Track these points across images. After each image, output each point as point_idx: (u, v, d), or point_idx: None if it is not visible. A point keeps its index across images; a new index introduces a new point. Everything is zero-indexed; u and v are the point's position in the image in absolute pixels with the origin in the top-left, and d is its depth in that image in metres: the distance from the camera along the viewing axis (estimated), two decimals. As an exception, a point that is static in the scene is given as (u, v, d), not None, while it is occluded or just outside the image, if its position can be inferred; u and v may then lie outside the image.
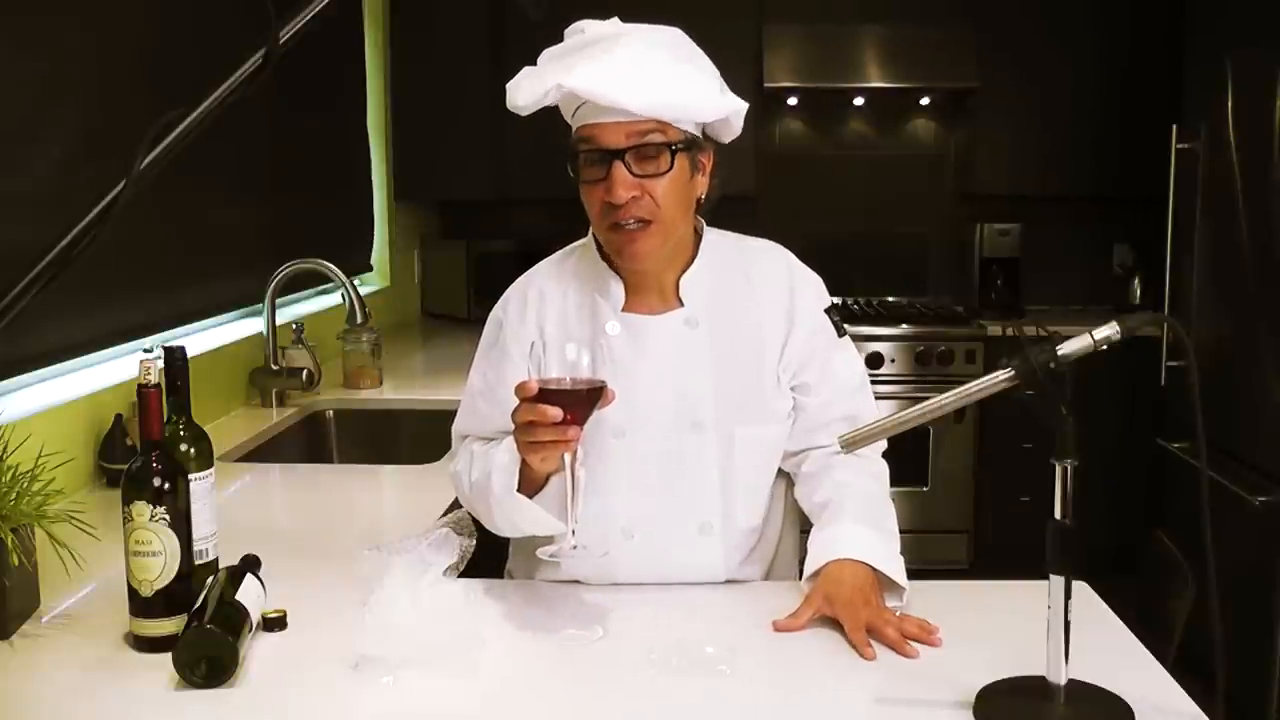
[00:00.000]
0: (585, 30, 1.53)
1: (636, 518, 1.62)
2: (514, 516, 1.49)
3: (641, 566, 1.62)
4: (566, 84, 1.45)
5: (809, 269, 1.73)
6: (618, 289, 1.63)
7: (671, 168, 1.50)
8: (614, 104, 1.45)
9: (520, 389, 1.33)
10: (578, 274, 1.66)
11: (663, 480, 1.62)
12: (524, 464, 1.43)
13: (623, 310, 1.63)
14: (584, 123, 1.51)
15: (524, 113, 1.54)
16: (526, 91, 1.52)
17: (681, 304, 1.63)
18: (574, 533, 1.38)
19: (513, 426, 1.38)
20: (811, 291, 1.70)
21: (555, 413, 1.31)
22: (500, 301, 1.70)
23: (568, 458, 1.37)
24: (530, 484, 1.47)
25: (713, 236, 1.68)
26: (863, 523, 1.54)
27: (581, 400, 1.34)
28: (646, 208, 1.50)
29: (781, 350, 1.65)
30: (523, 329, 1.64)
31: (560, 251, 1.72)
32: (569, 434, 1.33)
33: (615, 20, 1.53)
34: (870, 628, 1.39)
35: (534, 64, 1.56)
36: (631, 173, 1.49)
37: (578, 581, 1.65)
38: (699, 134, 1.56)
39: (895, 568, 1.49)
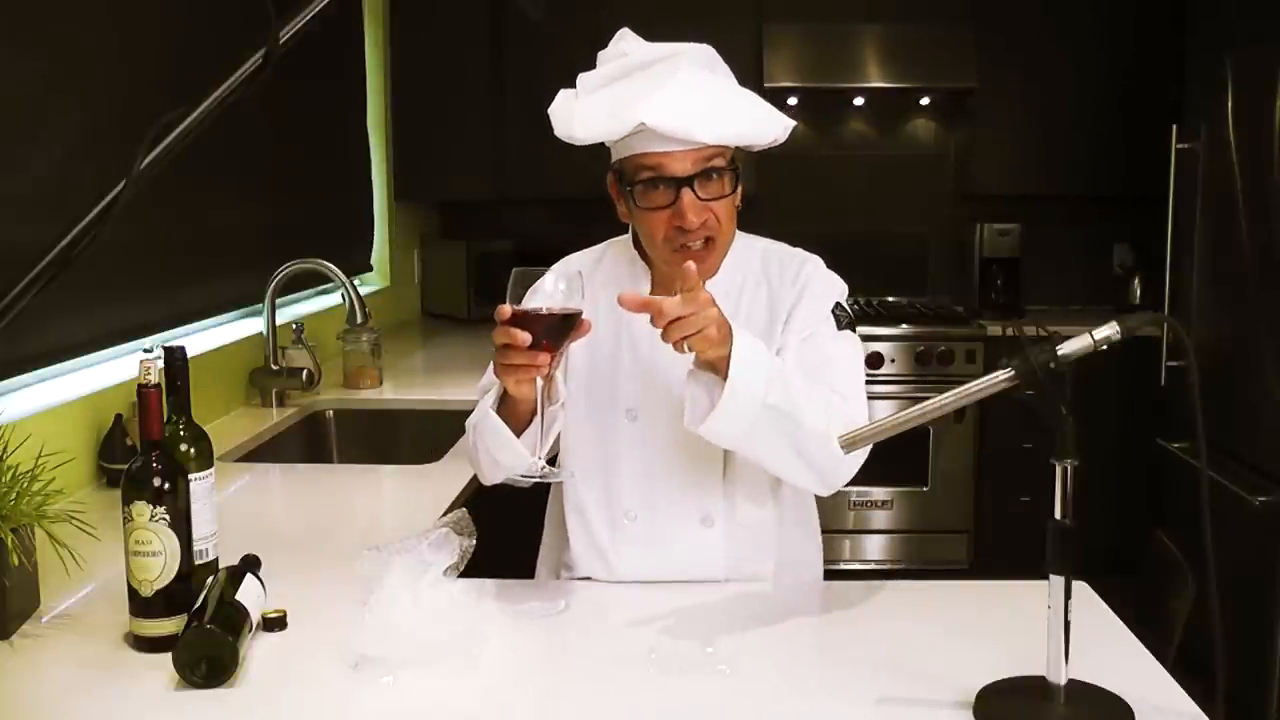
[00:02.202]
0: (628, 54, 1.57)
1: (639, 501, 1.66)
2: (489, 440, 1.54)
3: (642, 555, 1.66)
4: (649, 120, 1.48)
5: (831, 273, 1.73)
6: (645, 279, 1.70)
7: (734, 190, 1.59)
8: (692, 138, 1.51)
9: (497, 313, 1.39)
10: (614, 264, 1.74)
11: (669, 467, 1.66)
12: (509, 395, 1.48)
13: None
14: (647, 150, 1.54)
15: (577, 144, 1.57)
16: (584, 124, 1.54)
17: None
18: (540, 457, 1.48)
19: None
20: (820, 288, 1.70)
21: (525, 337, 1.37)
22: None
23: (541, 385, 1.43)
24: (514, 418, 1.52)
25: (744, 240, 1.73)
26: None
27: (555, 327, 1.39)
28: (712, 227, 1.58)
29: (779, 337, 1.67)
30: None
31: (601, 244, 1.80)
32: (538, 359, 1.39)
33: (647, 43, 1.59)
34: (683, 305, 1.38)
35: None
36: (699, 198, 1.55)
37: (584, 579, 1.68)
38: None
39: (748, 357, 1.44)
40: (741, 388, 1.44)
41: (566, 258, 1.77)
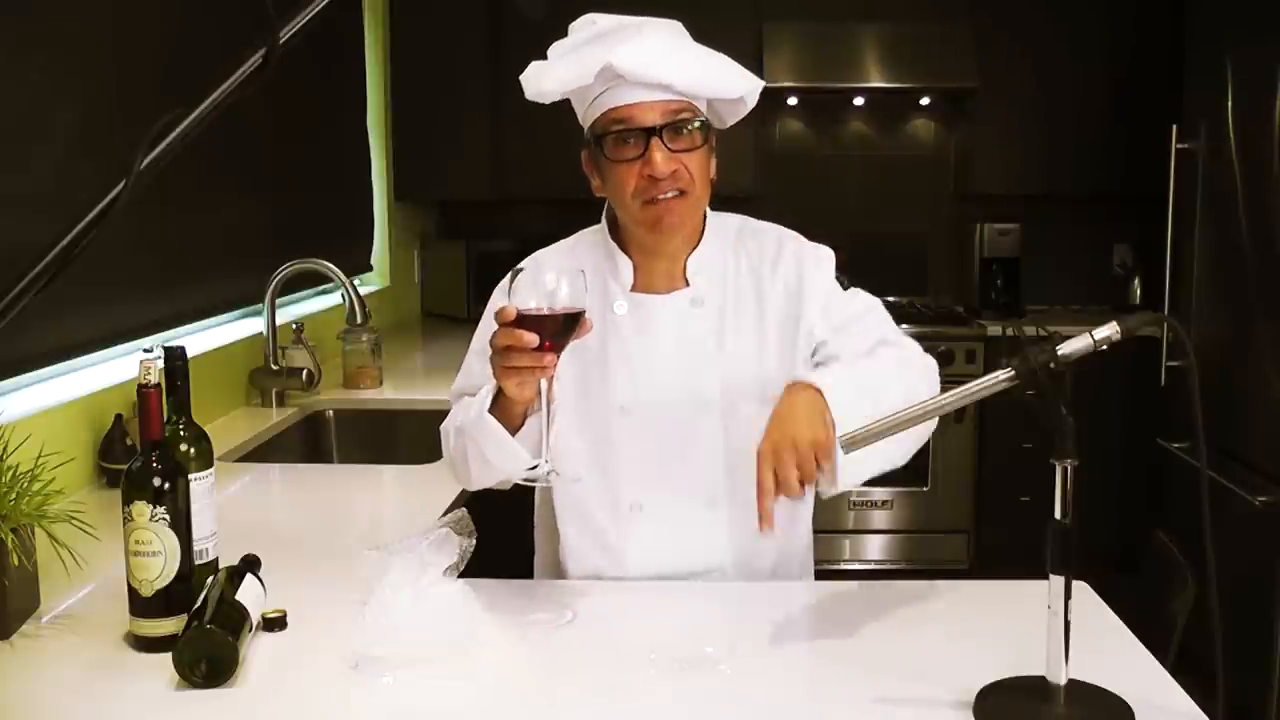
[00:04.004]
0: (597, 23, 1.58)
1: (643, 492, 1.65)
2: (484, 444, 1.49)
3: (651, 546, 1.65)
4: (614, 61, 1.50)
5: (818, 245, 1.73)
6: (626, 269, 1.67)
7: (704, 143, 1.58)
8: (659, 80, 1.52)
9: (499, 314, 1.36)
10: (588, 256, 1.70)
11: (669, 457, 1.65)
12: (501, 398, 1.45)
13: (631, 290, 1.67)
14: (617, 104, 1.55)
15: (547, 99, 1.59)
16: (553, 77, 1.56)
17: (688, 284, 1.67)
18: (547, 459, 1.43)
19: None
20: (822, 269, 1.70)
21: (531, 338, 1.34)
22: (509, 274, 1.71)
23: (544, 384, 1.39)
24: (507, 419, 1.48)
25: (718, 219, 1.72)
26: (841, 366, 1.55)
27: (559, 327, 1.36)
28: (684, 180, 1.57)
29: (798, 326, 1.66)
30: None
31: (570, 238, 1.77)
32: (545, 360, 1.36)
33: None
34: (780, 480, 1.39)
35: (541, 59, 1.60)
36: (668, 148, 1.55)
37: (589, 573, 1.68)
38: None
39: (827, 378, 1.46)
40: (845, 426, 1.42)
41: (539, 253, 1.74)
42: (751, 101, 1.65)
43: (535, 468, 1.45)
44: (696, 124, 1.57)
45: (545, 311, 1.35)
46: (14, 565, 1.40)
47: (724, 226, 1.72)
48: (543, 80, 1.57)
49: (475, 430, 1.50)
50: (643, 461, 1.65)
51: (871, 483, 1.60)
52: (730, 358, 1.66)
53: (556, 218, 4.54)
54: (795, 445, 1.40)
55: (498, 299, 1.69)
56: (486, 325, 1.69)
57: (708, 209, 1.71)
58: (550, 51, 1.60)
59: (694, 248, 1.68)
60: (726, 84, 1.60)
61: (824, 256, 1.72)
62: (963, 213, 4.53)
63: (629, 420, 1.65)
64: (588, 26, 1.59)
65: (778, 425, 1.42)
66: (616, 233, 1.69)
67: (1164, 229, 3.56)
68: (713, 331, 1.66)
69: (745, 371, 1.65)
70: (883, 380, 1.52)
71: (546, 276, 1.36)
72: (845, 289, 1.70)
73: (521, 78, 1.60)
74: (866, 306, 1.70)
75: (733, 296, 1.67)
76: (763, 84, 1.65)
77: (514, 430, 1.48)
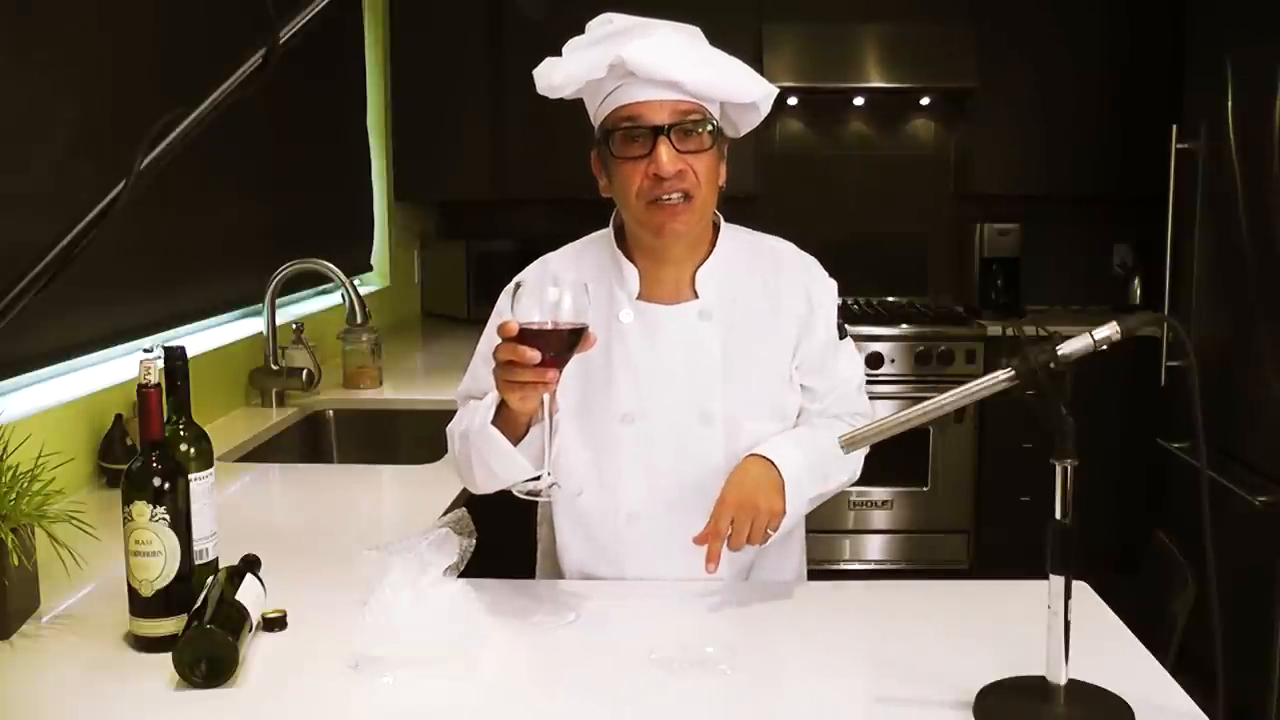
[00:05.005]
0: (614, 21, 1.58)
1: (642, 504, 1.65)
2: (488, 454, 1.50)
3: (648, 558, 1.65)
4: (625, 56, 1.49)
5: (826, 274, 1.75)
6: (633, 278, 1.66)
7: (712, 146, 1.57)
8: (669, 78, 1.51)
9: (502, 329, 1.35)
10: (595, 262, 1.69)
11: (669, 469, 1.64)
12: (505, 407, 1.45)
13: (637, 299, 1.66)
14: (627, 102, 1.54)
15: (557, 94, 1.58)
16: (565, 71, 1.55)
17: (696, 296, 1.66)
18: (549, 472, 1.42)
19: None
20: (829, 299, 1.72)
21: (533, 355, 1.33)
22: (516, 279, 1.71)
23: (546, 398, 1.39)
24: (511, 428, 1.48)
25: (730, 231, 1.71)
26: (791, 437, 1.63)
27: (562, 342, 1.35)
28: (689, 182, 1.55)
29: (794, 351, 1.68)
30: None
31: (578, 241, 1.76)
32: (547, 375, 1.36)
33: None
34: (733, 532, 1.50)
35: (542, 59, 1.60)
36: (675, 149, 1.53)
37: (589, 578, 1.67)
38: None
39: (790, 461, 1.56)
40: (793, 513, 1.57)
41: (543, 258, 1.74)
42: (765, 108, 1.63)
43: (537, 479, 1.44)
44: (707, 127, 1.56)
45: (548, 327, 1.34)
46: (14, 565, 1.40)
47: (736, 240, 1.71)
48: (554, 74, 1.56)
49: (478, 440, 1.51)
50: (642, 472, 1.65)
51: (873, 483, 1.63)
52: (737, 372, 1.65)
53: (557, 218, 4.56)
54: (757, 508, 1.50)
55: (502, 308, 1.69)
56: (491, 331, 1.69)
57: (722, 221, 1.70)
58: (565, 47, 1.60)
59: (704, 258, 1.67)
60: (738, 88, 1.58)
61: (831, 290, 1.73)
62: (962, 213, 4.53)
63: (630, 429, 1.64)
64: (604, 25, 1.59)
65: (748, 486, 1.52)
66: (623, 240, 1.69)
67: (1164, 229, 3.56)
68: (720, 345, 1.65)
69: (750, 387, 1.65)
70: (829, 459, 1.60)
71: (550, 290, 1.35)
72: (842, 337, 1.73)
73: (535, 72, 1.59)
74: (850, 365, 1.73)
75: (742, 312, 1.66)
76: (776, 90, 1.63)
77: (518, 438, 1.48)
